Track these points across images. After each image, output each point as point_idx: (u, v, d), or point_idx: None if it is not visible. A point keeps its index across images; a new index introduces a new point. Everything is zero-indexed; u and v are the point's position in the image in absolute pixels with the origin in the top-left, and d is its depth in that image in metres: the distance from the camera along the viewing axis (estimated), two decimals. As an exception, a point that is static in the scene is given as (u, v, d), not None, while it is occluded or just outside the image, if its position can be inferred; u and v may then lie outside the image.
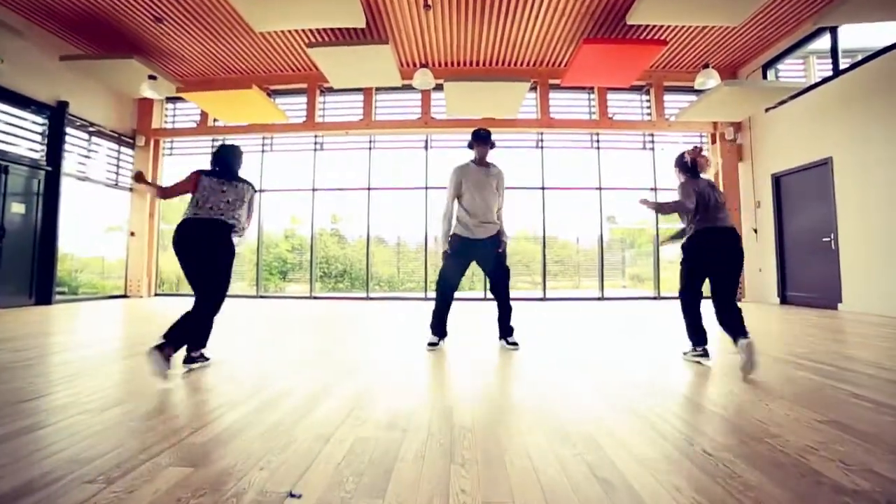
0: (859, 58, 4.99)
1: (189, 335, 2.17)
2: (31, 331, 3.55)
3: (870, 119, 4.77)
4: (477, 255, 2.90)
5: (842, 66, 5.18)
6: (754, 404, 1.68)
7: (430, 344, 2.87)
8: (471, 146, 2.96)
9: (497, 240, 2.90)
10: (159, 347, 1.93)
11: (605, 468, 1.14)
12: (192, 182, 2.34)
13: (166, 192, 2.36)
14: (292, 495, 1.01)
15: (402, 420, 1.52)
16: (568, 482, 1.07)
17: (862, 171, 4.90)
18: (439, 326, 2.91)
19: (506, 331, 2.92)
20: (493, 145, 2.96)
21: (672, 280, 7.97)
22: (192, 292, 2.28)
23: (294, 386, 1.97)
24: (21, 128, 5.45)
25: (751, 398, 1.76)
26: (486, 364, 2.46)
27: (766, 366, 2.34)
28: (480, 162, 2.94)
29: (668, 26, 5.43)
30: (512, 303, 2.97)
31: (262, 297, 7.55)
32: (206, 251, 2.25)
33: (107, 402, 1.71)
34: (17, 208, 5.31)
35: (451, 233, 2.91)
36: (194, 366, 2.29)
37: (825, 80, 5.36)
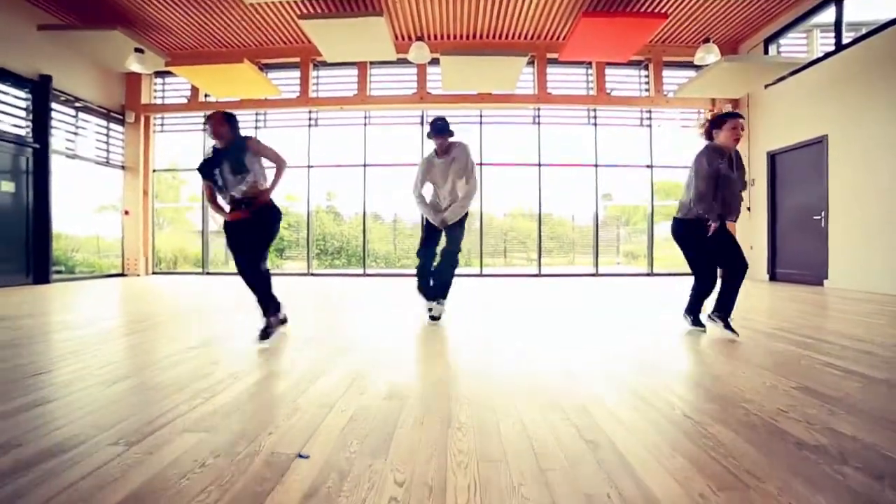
0: (864, 31, 4.90)
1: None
2: (33, 309, 3.59)
3: (869, 97, 4.76)
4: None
5: (845, 41, 5.12)
6: (735, 374, 1.78)
7: (431, 315, 2.96)
8: (430, 136, 2.92)
9: (458, 222, 2.97)
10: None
11: (592, 431, 1.23)
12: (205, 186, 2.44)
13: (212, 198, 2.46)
14: (301, 456, 1.09)
15: (401, 391, 1.60)
16: (556, 442, 1.15)
17: (856, 150, 4.93)
18: (426, 289, 3.00)
19: (439, 290, 2.99)
20: (451, 133, 2.91)
21: (666, 258, 8.07)
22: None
23: (296, 360, 2.05)
24: (2, 102, 5.30)
25: (733, 369, 1.86)
26: (481, 340, 2.55)
27: (751, 339, 2.44)
28: (441, 152, 2.92)
29: (669, -2, 5.31)
30: (455, 278, 3.02)
31: (259, 275, 7.59)
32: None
33: (115, 375, 1.77)
34: (6, 187, 5.25)
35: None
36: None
37: (827, 56, 5.31)
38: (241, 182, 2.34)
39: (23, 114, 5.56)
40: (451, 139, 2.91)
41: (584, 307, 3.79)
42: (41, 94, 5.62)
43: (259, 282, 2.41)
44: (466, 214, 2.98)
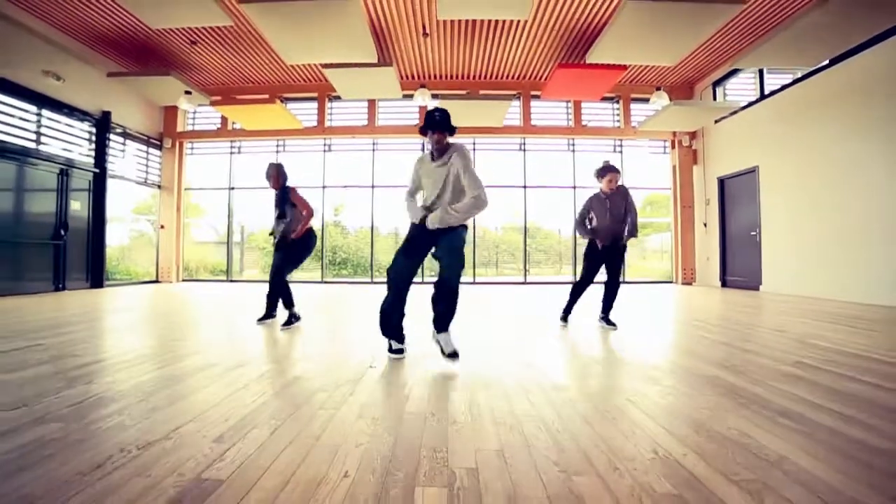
0: (799, 74, 5.89)
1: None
2: (116, 306, 4.54)
3: (788, 137, 5.84)
4: (433, 243, 2.32)
5: (767, 91, 6.25)
6: (637, 340, 2.77)
7: (395, 351, 2.30)
8: (423, 132, 2.28)
9: (452, 230, 2.26)
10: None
11: (528, 359, 2.21)
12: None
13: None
14: (372, 367, 2.06)
15: (420, 344, 2.58)
16: (507, 365, 2.13)
17: (779, 179, 6.01)
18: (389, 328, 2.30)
19: (442, 323, 2.22)
20: (452, 130, 2.26)
21: (640, 268, 9.13)
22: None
23: (337, 339, 3.01)
24: (76, 136, 6.32)
25: (640, 337, 2.85)
26: (467, 324, 3.52)
27: (670, 324, 3.43)
28: (438, 153, 2.28)
29: (629, 52, 6.43)
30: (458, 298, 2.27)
31: (277, 282, 8.52)
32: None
33: (251, 334, 2.74)
34: (75, 206, 6.21)
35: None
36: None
37: (754, 102, 6.44)
38: (279, 225, 3.29)
39: (87, 144, 6.55)
40: (450, 139, 2.28)
41: (542, 304, 4.78)
42: (102, 126, 6.63)
43: (280, 288, 3.29)
44: (463, 236, 2.30)
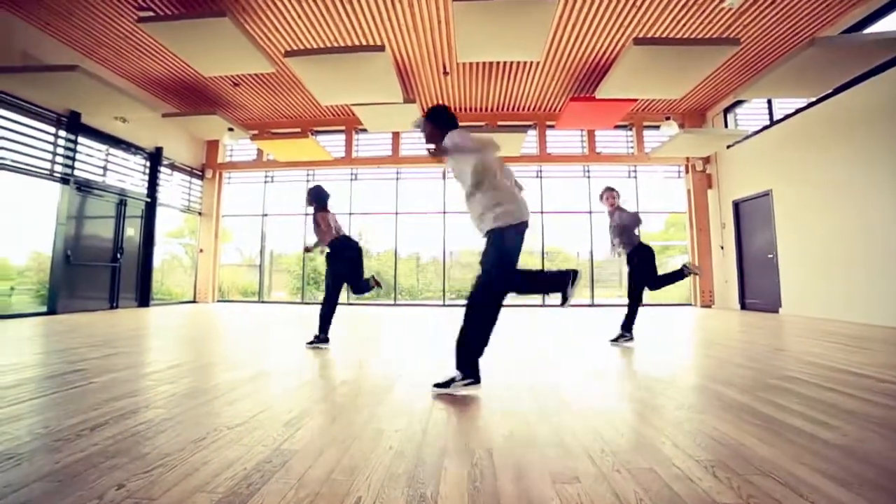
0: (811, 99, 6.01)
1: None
2: (174, 322, 5.01)
3: (801, 161, 5.97)
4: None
5: (776, 118, 6.45)
6: (644, 361, 2.98)
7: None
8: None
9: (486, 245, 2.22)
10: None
11: (539, 352, 2.47)
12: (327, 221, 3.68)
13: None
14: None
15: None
16: (512, 360, 2.40)
17: (793, 203, 6.12)
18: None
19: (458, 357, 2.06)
20: (436, 122, 2.24)
21: (657, 291, 9.15)
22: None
23: (369, 353, 3.34)
24: (133, 169, 7.07)
25: (647, 359, 3.07)
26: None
27: (687, 344, 3.60)
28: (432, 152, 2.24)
29: (639, 85, 6.78)
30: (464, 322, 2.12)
31: (305, 303, 8.99)
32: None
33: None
34: (130, 231, 6.88)
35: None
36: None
37: (765, 128, 6.63)
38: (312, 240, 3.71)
39: (141, 175, 7.30)
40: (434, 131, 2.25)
41: (552, 324, 4.99)
42: (155, 160, 7.38)
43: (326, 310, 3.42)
44: (496, 236, 2.17)
